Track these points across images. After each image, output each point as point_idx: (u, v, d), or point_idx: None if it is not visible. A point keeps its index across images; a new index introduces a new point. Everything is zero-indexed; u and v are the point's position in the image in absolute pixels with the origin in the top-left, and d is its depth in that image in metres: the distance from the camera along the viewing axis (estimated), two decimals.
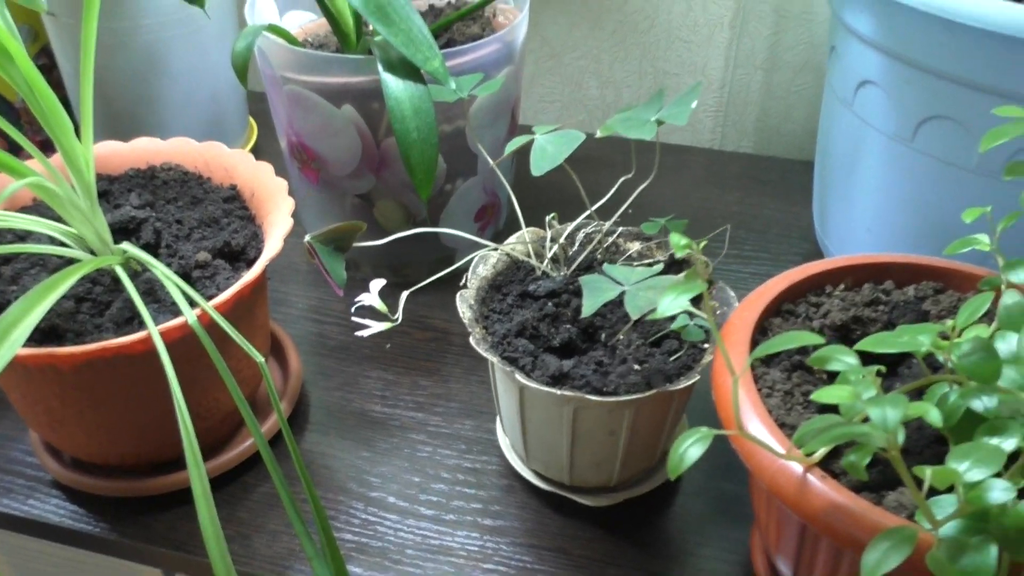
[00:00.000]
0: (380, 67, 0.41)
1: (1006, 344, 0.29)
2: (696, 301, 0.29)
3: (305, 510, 0.42)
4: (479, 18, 0.57)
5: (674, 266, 0.43)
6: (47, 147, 0.67)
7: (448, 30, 0.54)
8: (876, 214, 0.46)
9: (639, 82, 0.72)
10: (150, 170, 0.46)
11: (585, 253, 0.43)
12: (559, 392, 0.36)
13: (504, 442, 0.45)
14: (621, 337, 0.39)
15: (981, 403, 0.26)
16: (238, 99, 0.64)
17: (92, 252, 0.41)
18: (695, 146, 0.73)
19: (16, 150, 0.51)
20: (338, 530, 0.42)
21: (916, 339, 0.27)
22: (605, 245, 0.44)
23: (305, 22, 0.57)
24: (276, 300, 0.55)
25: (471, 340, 0.38)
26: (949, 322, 0.29)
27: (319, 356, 0.51)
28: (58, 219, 0.41)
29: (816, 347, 0.28)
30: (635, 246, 0.44)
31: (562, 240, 0.43)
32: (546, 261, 0.43)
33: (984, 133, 0.32)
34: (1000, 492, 0.24)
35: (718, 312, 0.40)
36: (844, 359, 0.26)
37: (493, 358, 0.37)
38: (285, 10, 0.56)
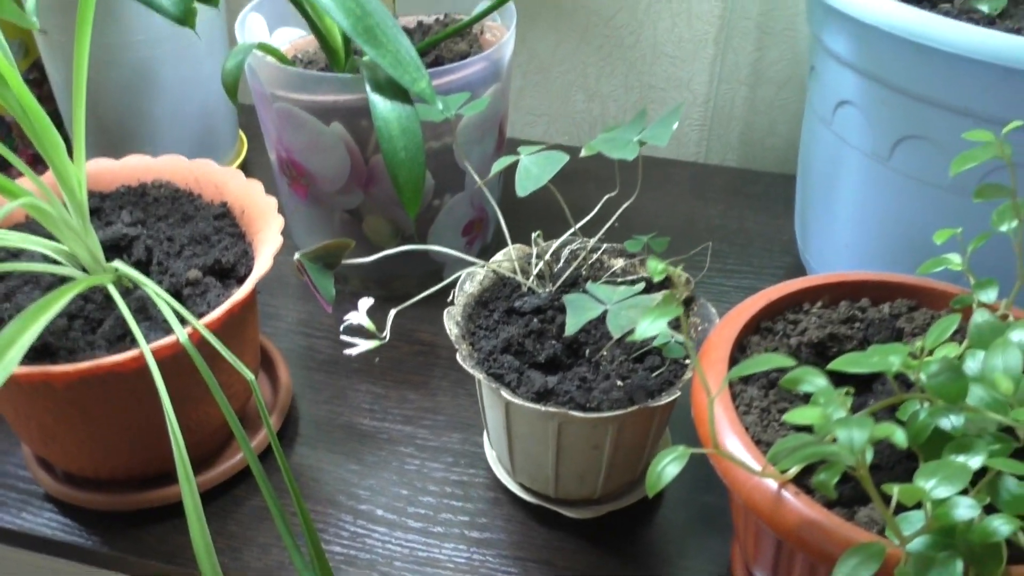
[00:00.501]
0: (368, 87, 0.42)
1: (975, 362, 0.31)
2: (676, 320, 0.30)
3: (294, 523, 0.43)
4: (467, 35, 0.58)
5: (656, 284, 0.44)
6: (38, 161, 0.68)
7: (436, 47, 0.55)
8: (855, 231, 0.47)
9: (625, 96, 0.73)
10: (141, 187, 0.47)
11: (570, 270, 0.44)
12: (544, 408, 0.36)
13: (491, 455, 0.45)
14: (604, 353, 0.40)
15: (948, 422, 0.27)
16: (228, 113, 0.65)
17: (84, 269, 0.42)
18: (680, 160, 0.74)
19: (6, 166, 0.51)
20: (327, 542, 0.42)
21: (887, 359, 0.28)
22: (590, 262, 0.45)
23: (295, 38, 0.58)
24: (266, 314, 0.56)
25: (458, 357, 0.39)
26: (918, 342, 0.30)
27: (308, 370, 0.52)
28: (50, 236, 0.42)
29: (789, 369, 0.29)
30: (619, 262, 0.45)
31: (547, 257, 0.44)
32: (532, 278, 0.44)
33: (958, 153, 0.33)
34: (966, 509, 0.25)
35: (699, 328, 0.41)
36: (815, 381, 0.27)
37: (479, 375, 0.38)
38: (275, 27, 0.57)
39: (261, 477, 0.36)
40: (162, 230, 0.44)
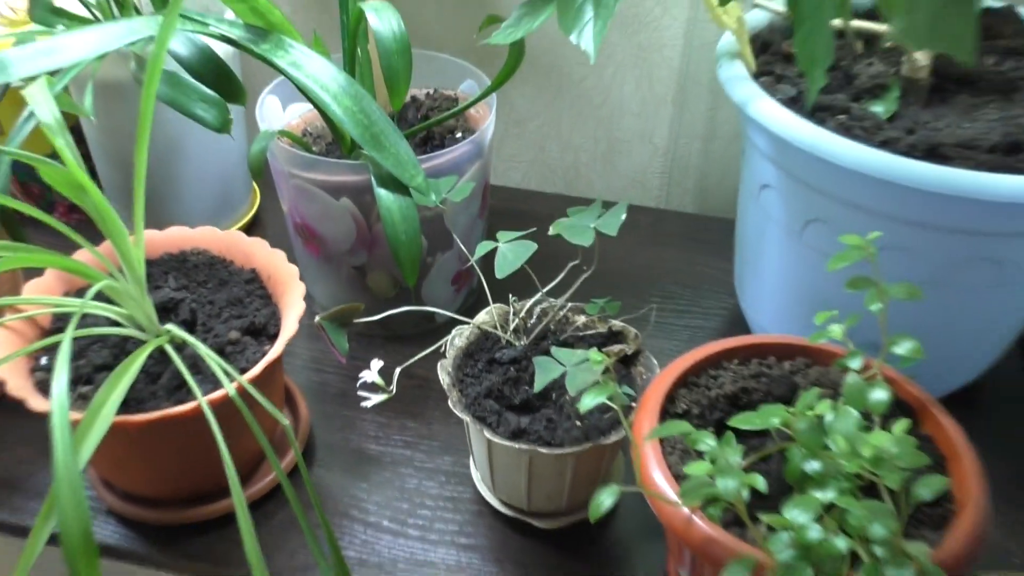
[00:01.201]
0: (374, 181, 0.51)
1: (846, 418, 0.40)
2: (627, 363, 0.40)
3: (317, 533, 0.52)
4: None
5: (612, 337, 0.53)
6: (73, 210, 0.76)
7: (425, 120, 0.64)
8: (777, 291, 0.57)
9: (595, 147, 0.83)
10: (181, 254, 0.56)
11: (541, 326, 0.53)
12: (518, 446, 0.46)
13: (476, 476, 0.55)
14: (567, 398, 0.49)
15: (810, 466, 0.37)
16: (243, 174, 0.74)
17: (140, 328, 0.51)
18: (644, 205, 0.83)
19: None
20: (343, 548, 0.52)
21: (769, 419, 0.38)
22: (557, 318, 0.54)
23: (305, 111, 0.67)
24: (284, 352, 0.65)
25: (449, 403, 0.48)
26: (798, 405, 0.40)
27: (322, 402, 0.61)
28: (109, 301, 0.51)
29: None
30: (581, 319, 0.55)
31: (522, 314, 0.54)
32: (509, 332, 0.53)
33: (852, 233, 0.43)
34: (815, 532, 0.35)
35: (644, 377, 0.51)
36: (707, 441, 0.37)
37: (467, 418, 0.47)
38: (287, 103, 0.66)
39: (292, 494, 0.46)
40: (203, 294, 0.53)
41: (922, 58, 0.52)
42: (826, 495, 0.37)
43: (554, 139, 0.83)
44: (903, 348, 0.42)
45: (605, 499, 0.36)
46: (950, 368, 0.57)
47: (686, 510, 0.39)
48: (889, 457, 0.35)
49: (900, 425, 0.37)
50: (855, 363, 0.43)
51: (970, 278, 0.49)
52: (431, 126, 0.62)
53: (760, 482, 0.34)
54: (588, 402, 0.35)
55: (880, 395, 0.40)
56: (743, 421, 0.39)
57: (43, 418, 0.47)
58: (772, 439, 0.44)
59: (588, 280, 0.54)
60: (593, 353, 0.38)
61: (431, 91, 0.69)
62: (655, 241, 0.78)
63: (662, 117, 0.79)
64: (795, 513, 0.36)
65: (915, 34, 0.31)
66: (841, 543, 0.35)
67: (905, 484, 0.36)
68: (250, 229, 0.77)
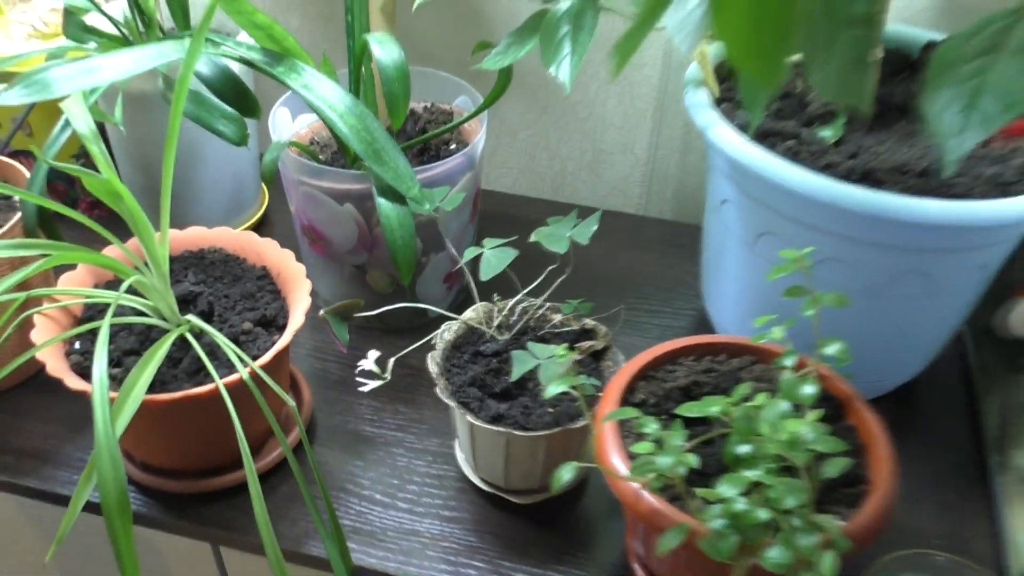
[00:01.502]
0: (375, 191, 0.57)
1: (774, 408, 0.47)
2: (597, 357, 0.46)
3: (317, 504, 0.59)
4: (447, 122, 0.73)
5: (584, 334, 0.60)
6: (95, 206, 0.82)
7: (424, 133, 0.70)
8: (735, 295, 0.64)
9: (580, 157, 0.89)
10: (200, 252, 0.62)
11: (522, 323, 0.60)
12: (496, 429, 0.52)
13: (460, 456, 0.61)
14: (542, 387, 0.56)
15: (742, 449, 0.44)
16: (254, 177, 0.80)
17: (163, 318, 0.57)
18: (625, 212, 0.90)
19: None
20: (339, 518, 0.58)
21: (709, 408, 0.45)
22: (537, 316, 0.61)
23: (312, 121, 0.73)
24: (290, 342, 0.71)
25: (436, 390, 0.54)
26: (733, 397, 0.46)
27: (323, 388, 0.67)
28: (135, 292, 0.57)
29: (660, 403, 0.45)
30: (558, 316, 0.61)
31: (505, 312, 0.60)
32: (493, 328, 0.60)
33: (797, 245, 0.49)
34: (741, 504, 0.41)
35: (612, 370, 0.57)
36: (651, 426, 0.43)
37: (452, 403, 0.54)
38: (297, 114, 0.72)
39: (296, 468, 0.52)
40: (219, 289, 0.59)
41: None
42: (753, 474, 0.43)
43: (543, 149, 0.89)
44: (832, 349, 0.49)
45: (565, 473, 0.43)
46: (888, 368, 0.63)
47: (636, 485, 0.45)
48: (803, 441, 0.41)
49: (813, 415, 0.43)
50: (789, 361, 0.49)
51: (902, 289, 0.56)
52: (428, 139, 0.68)
53: (693, 460, 0.41)
54: (553, 390, 0.41)
55: (809, 389, 0.46)
56: (687, 409, 0.45)
57: (74, 396, 0.54)
58: (713, 424, 0.51)
59: (571, 281, 0.60)
60: (559, 349, 0.44)
61: (429, 105, 0.75)
62: (634, 246, 0.84)
63: (642, 130, 0.85)
64: (725, 488, 0.42)
65: (826, 86, 0.37)
66: (763, 514, 0.41)
67: (815, 465, 0.43)
68: (259, 228, 0.83)
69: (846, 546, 0.42)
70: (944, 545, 0.57)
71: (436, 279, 0.70)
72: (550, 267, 0.61)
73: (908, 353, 0.62)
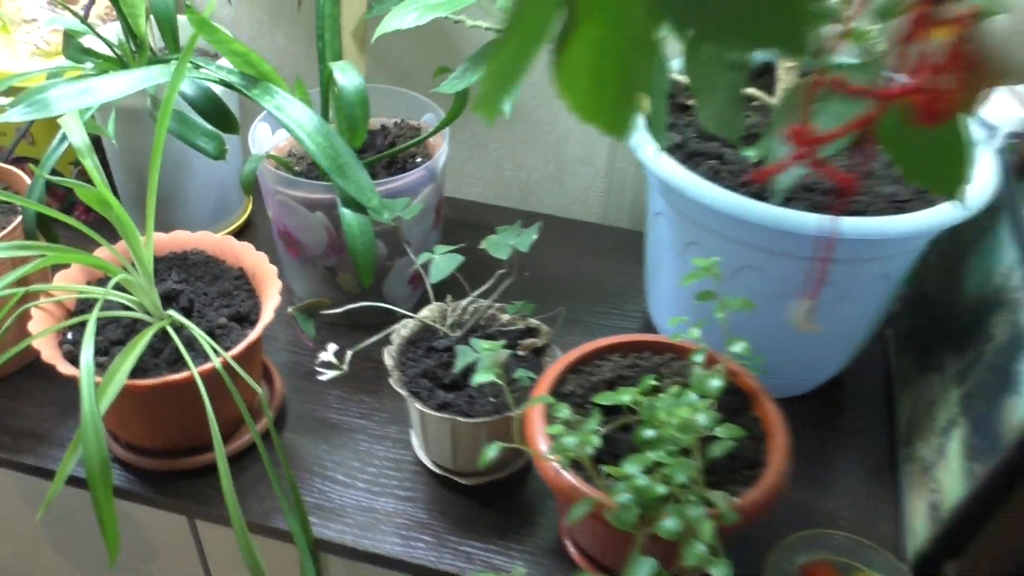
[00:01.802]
0: (339, 201, 0.63)
1: (683, 398, 0.53)
2: (539, 354, 0.52)
3: (283, 484, 0.65)
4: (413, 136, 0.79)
5: (528, 332, 0.66)
6: (88, 211, 0.88)
7: (393, 147, 0.77)
8: (670, 299, 0.70)
9: (544, 168, 0.95)
10: (183, 253, 0.69)
11: (472, 321, 0.66)
12: (442, 416, 0.59)
13: (415, 442, 0.68)
14: None
15: (647, 433, 0.50)
16: (237, 185, 0.86)
17: (148, 312, 0.63)
18: (586, 220, 0.96)
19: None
20: (303, 496, 0.64)
21: (621, 397, 0.51)
22: (486, 316, 0.67)
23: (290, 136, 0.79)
24: (265, 337, 0.77)
25: (390, 380, 0.61)
26: (639, 387, 0.52)
27: (295, 378, 0.74)
28: (122, 289, 0.63)
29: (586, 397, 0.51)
30: (505, 316, 0.67)
31: (457, 312, 0.66)
32: (447, 325, 0.66)
33: (718, 255, 0.55)
34: (641, 480, 0.48)
35: (551, 364, 0.63)
36: (563, 411, 0.49)
37: (404, 392, 0.60)
38: (277, 127, 0.78)
39: (263, 450, 0.58)
40: (199, 287, 0.66)
41: None
42: (655, 454, 0.49)
43: (510, 160, 0.96)
44: (738, 347, 0.55)
45: (490, 451, 0.49)
46: (808, 367, 0.69)
47: (556, 464, 0.51)
48: (695, 426, 0.47)
49: (703, 403, 0.49)
50: (699, 358, 0.55)
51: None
52: (395, 153, 0.74)
53: (596, 440, 0.47)
54: (478, 378, 0.48)
55: (715, 383, 0.53)
56: (603, 399, 0.52)
57: (67, 382, 0.60)
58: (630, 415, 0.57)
59: (531, 285, 0.66)
60: (485, 343, 0.51)
61: (399, 121, 0.81)
62: (593, 253, 0.90)
63: (601, 145, 0.92)
64: (630, 466, 0.48)
65: (709, 120, 0.43)
66: (660, 488, 0.47)
67: (705, 447, 0.49)
68: (244, 232, 0.90)
69: (734, 518, 0.48)
70: (850, 527, 0.63)
71: (401, 281, 0.76)
72: (500, 271, 0.67)
73: (824, 354, 0.68)
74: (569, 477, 0.50)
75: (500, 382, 0.52)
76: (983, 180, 0.59)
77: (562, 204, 0.97)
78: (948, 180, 0.39)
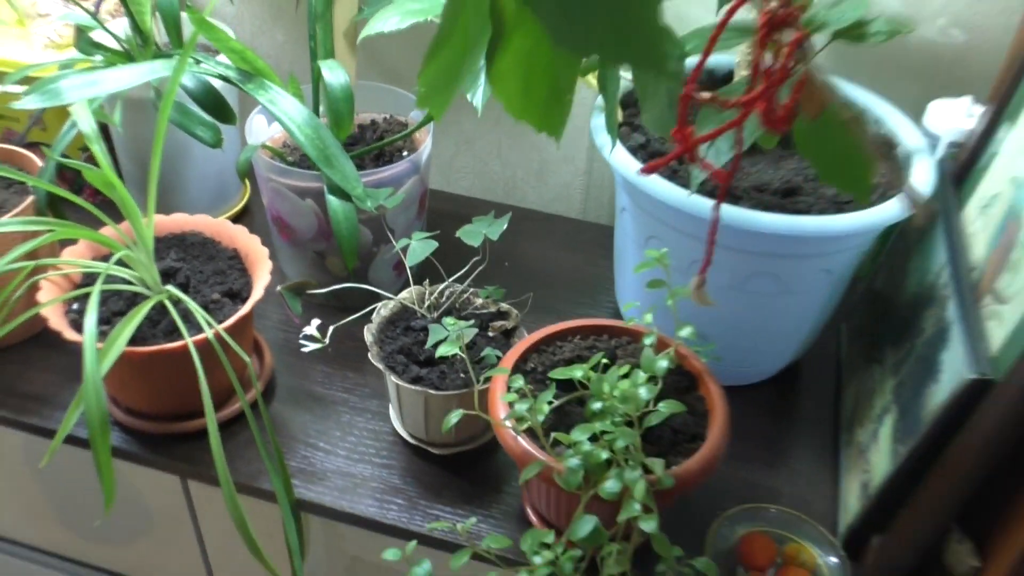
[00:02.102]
0: (326, 189, 0.69)
1: (632, 375, 0.58)
2: (509, 335, 0.57)
3: (269, 448, 0.70)
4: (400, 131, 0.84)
5: (499, 315, 0.71)
6: (97, 193, 0.93)
7: (380, 141, 0.82)
8: (632, 288, 0.75)
9: (528, 165, 1.00)
10: (182, 234, 0.74)
11: (447, 303, 0.71)
12: (415, 388, 0.64)
13: (392, 414, 0.73)
14: (457, 356, 0.67)
15: (595, 406, 0.55)
16: (235, 173, 0.91)
17: (148, 287, 0.69)
18: (567, 216, 1.01)
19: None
20: (287, 460, 0.70)
21: (574, 372, 0.56)
22: (461, 299, 0.72)
23: None
24: (258, 315, 0.83)
25: (369, 355, 0.66)
26: (589, 363, 0.57)
27: (285, 354, 0.79)
28: (124, 264, 0.68)
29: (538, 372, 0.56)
30: (479, 300, 0.72)
31: (434, 295, 0.72)
32: (424, 307, 0.71)
33: (674, 248, 0.60)
34: (587, 446, 0.53)
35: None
36: (517, 383, 0.54)
37: (381, 366, 0.65)
38: (272, 120, 0.83)
39: (251, 417, 0.64)
40: (196, 265, 0.71)
41: None
42: (601, 424, 0.54)
43: (496, 156, 1.01)
44: (685, 332, 0.60)
45: (452, 417, 0.54)
46: (760, 356, 0.74)
47: (513, 431, 0.57)
48: (637, 399, 0.53)
49: (643, 377, 0.54)
50: (649, 341, 0.60)
51: (758, 286, 0.67)
52: (383, 146, 0.79)
53: (545, 408, 0.52)
54: (443, 351, 0.53)
55: (662, 363, 0.58)
56: (557, 373, 0.57)
57: (71, 351, 0.66)
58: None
59: (511, 275, 0.72)
60: (449, 320, 0.56)
61: (388, 116, 0.86)
62: (571, 246, 0.95)
63: (581, 144, 0.97)
64: (577, 434, 0.53)
65: (652, 124, 0.48)
66: (603, 454, 0.53)
67: (644, 418, 0.54)
68: (241, 217, 0.95)
69: (669, 482, 0.53)
70: (791, 504, 0.68)
71: (386, 267, 0.82)
72: (475, 258, 0.73)
73: (774, 343, 0.73)
74: (523, 442, 0.55)
75: (463, 355, 0.57)
76: (922, 186, 0.64)
77: (545, 200, 1.02)
78: (856, 183, 0.44)
